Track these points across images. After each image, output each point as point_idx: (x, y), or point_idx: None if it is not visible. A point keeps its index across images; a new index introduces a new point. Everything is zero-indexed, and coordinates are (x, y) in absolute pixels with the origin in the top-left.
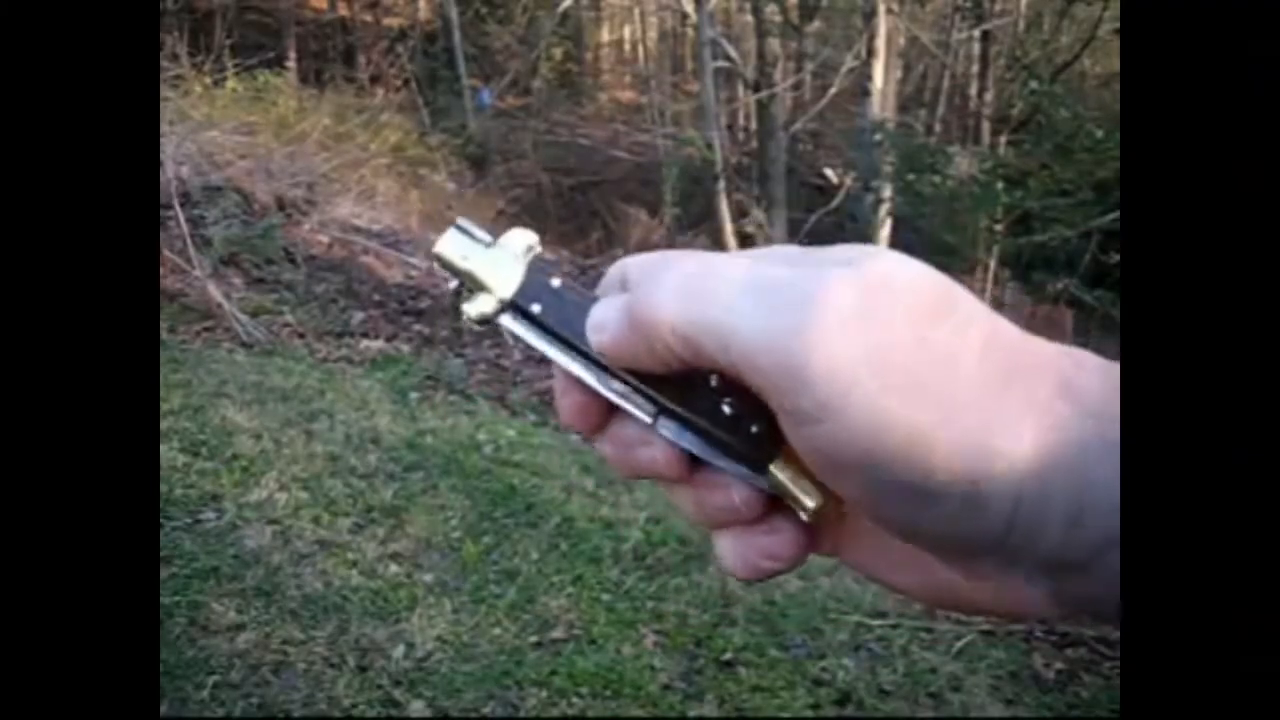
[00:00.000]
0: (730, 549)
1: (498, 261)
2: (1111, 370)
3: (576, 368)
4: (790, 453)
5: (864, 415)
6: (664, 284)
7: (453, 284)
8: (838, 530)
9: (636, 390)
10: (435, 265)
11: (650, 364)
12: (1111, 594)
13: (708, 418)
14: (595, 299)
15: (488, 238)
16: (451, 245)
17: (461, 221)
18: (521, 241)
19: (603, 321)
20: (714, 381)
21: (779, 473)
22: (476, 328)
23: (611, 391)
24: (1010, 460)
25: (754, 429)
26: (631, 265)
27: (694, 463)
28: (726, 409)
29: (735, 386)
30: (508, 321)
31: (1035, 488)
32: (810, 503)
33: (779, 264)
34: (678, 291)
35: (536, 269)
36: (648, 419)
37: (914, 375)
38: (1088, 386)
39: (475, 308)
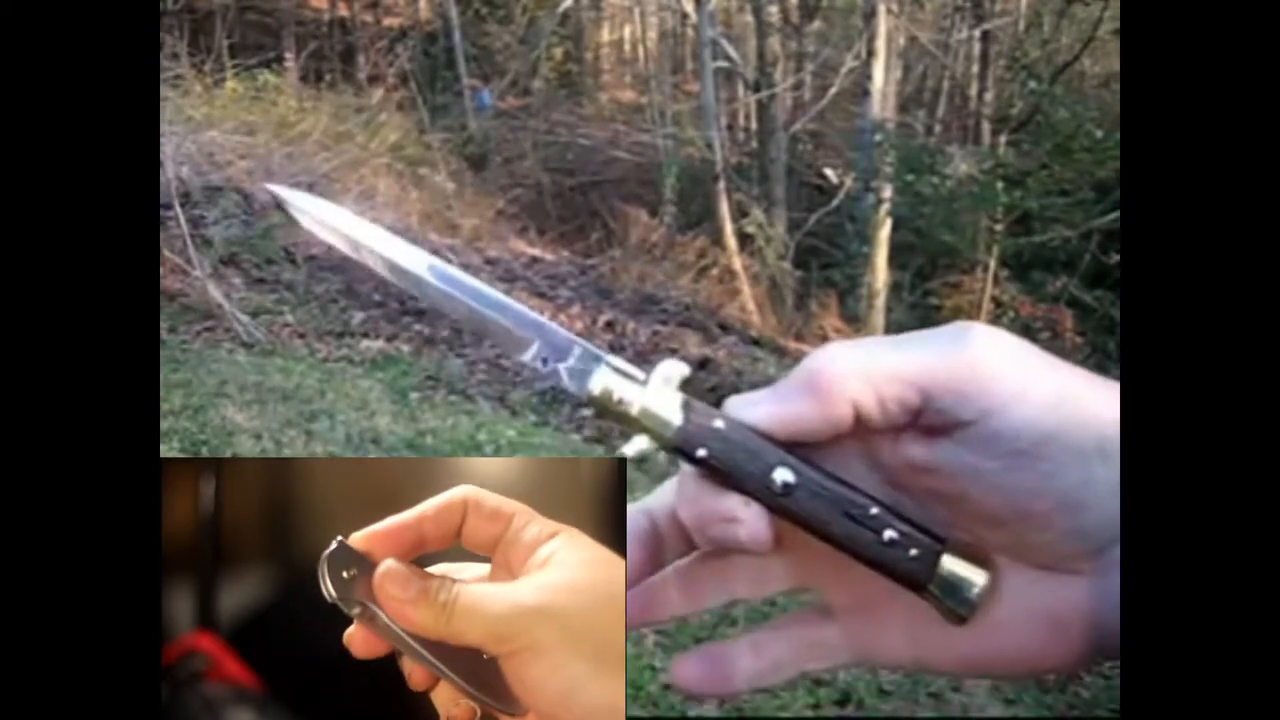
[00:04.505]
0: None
1: (654, 402)
2: None
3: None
4: (956, 546)
5: (1047, 388)
6: (839, 345)
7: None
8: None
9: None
10: (589, 405)
11: (816, 424)
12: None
13: (870, 548)
14: (761, 437)
15: (640, 375)
16: (603, 385)
17: (612, 359)
18: (671, 372)
19: (767, 395)
20: (874, 510)
21: (935, 588)
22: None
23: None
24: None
25: (913, 552)
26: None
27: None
28: (889, 534)
29: (898, 508)
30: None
31: None
32: (979, 580)
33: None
34: (854, 345)
35: (694, 408)
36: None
37: (1054, 362)
38: None
39: (634, 448)
